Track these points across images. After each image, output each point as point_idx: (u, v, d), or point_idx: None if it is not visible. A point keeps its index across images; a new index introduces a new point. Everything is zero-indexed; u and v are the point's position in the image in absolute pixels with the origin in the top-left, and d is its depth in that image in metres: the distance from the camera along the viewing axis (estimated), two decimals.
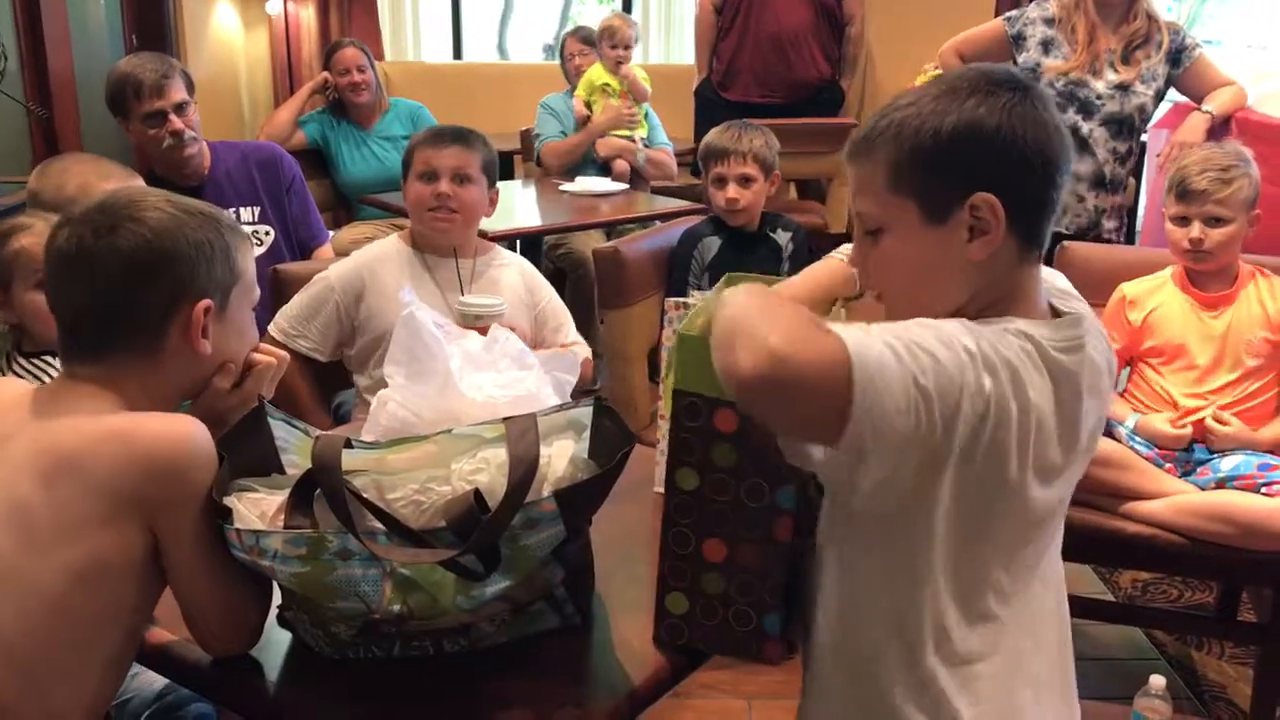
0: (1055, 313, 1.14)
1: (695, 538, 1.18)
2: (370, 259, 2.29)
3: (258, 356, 1.29)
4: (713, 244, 2.74)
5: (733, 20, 4.67)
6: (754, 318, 0.94)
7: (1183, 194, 2.28)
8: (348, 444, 1.14)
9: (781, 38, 4.63)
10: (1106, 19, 3.13)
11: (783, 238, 2.82)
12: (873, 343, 0.94)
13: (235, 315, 1.24)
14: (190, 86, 2.72)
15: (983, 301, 1.10)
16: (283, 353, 1.33)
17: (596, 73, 4.17)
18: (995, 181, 1.05)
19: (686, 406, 1.14)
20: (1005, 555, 1.09)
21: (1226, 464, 2.14)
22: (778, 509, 1.15)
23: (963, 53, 3.45)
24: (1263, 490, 2.06)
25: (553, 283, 2.52)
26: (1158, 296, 2.34)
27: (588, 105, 4.16)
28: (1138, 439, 2.24)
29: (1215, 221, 2.25)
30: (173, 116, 2.65)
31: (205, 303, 1.19)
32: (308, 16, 5.68)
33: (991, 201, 1.05)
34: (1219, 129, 3.09)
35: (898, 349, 0.94)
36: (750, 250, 2.77)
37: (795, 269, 2.78)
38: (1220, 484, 2.11)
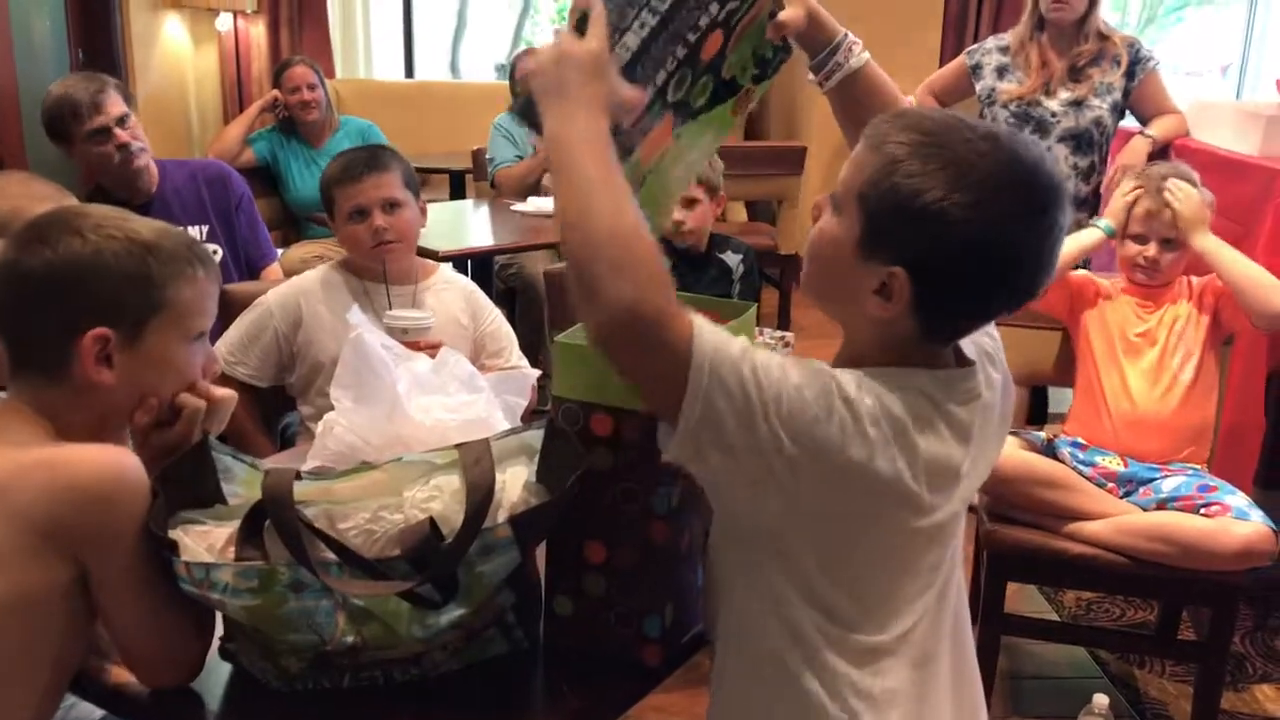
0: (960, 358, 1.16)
1: (577, 540, 1.21)
2: (307, 286, 2.27)
3: (186, 398, 1.22)
4: None
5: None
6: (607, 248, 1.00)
7: (1135, 213, 2.35)
8: (297, 476, 1.13)
9: None
10: (1057, 43, 3.22)
11: (732, 259, 2.84)
12: (730, 339, 1.01)
13: (154, 348, 1.19)
14: (128, 99, 2.68)
15: (887, 350, 1.10)
16: (225, 391, 1.27)
17: None
18: (925, 270, 1.04)
19: (564, 411, 1.19)
20: (885, 574, 1.11)
21: (1168, 485, 2.18)
22: (653, 512, 1.18)
23: (934, 92, 3.57)
24: (1202, 511, 2.10)
25: (503, 303, 2.51)
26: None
27: None
28: (1081, 460, 2.28)
29: (1168, 244, 2.32)
30: (116, 130, 2.61)
31: (96, 331, 1.15)
32: (258, 33, 5.64)
33: (902, 280, 1.04)
34: (1159, 155, 3.17)
35: (753, 356, 1.00)
36: (700, 272, 2.79)
37: (745, 291, 2.83)
38: (1161, 505, 2.15)
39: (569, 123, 1.05)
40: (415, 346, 2.05)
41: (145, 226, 1.22)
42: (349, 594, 1.05)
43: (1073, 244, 2.41)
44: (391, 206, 2.22)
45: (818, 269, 1.14)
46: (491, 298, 2.56)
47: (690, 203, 2.73)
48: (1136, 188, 2.40)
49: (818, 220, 1.15)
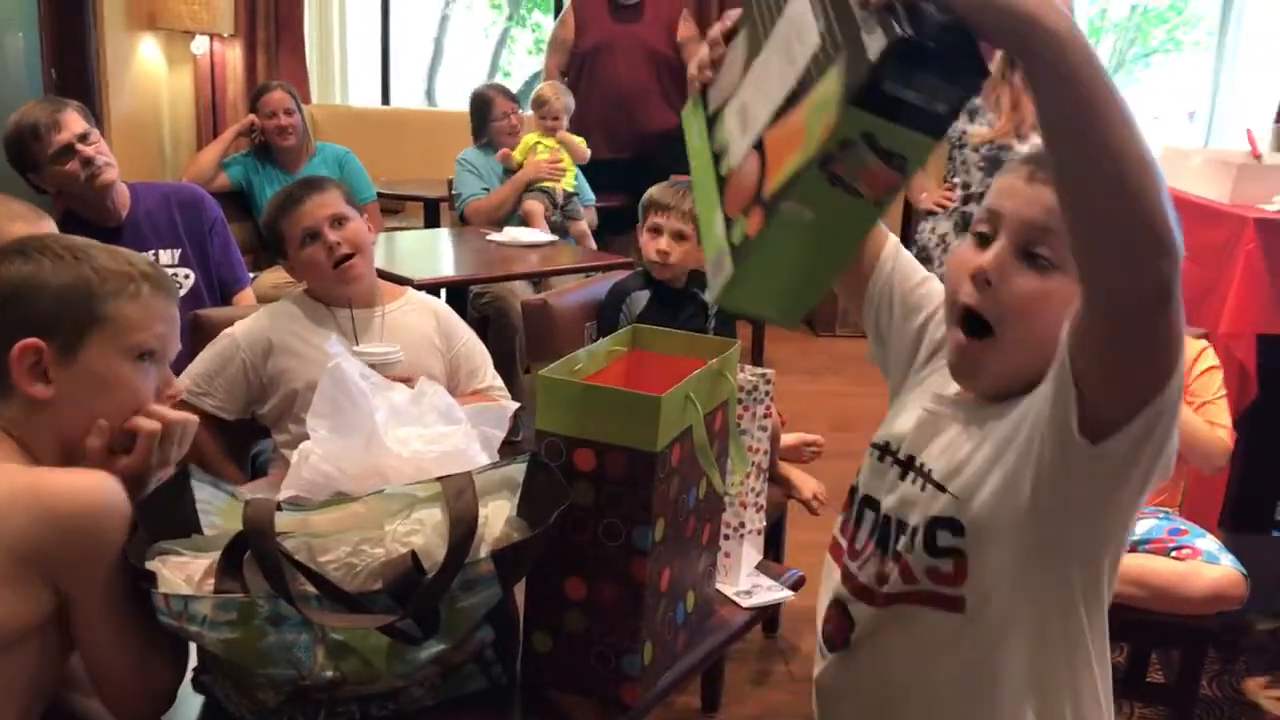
0: None
1: (557, 576, 1.20)
2: (273, 316, 2.25)
3: (138, 421, 1.18)
4: (641, 298, 2.76)
5: (577, 80, 4.84)
6: None
7: None
8: (278, 507, 1.11)
9: (624, 94, 4.85)
10: (1030, 86, 3.27)
11: (709, 297, 2.85)
12: None
13: (94, 364, 1.16)
14: (88, 117, 2.66)
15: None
16: (182, 415, 1.23)
17: (529, 138, 4.21)
18: None
19: (547, 445, 1.18)
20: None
21: (1139, 528, 2.20)
22: (634, 549, 1.17)
23: None
24: (1173, 554, 2.12)
25: (476, 330, 2.51)
26: None
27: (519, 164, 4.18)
28: None
29: None
30: (80, 146, 2.59)
31: (26, 342, 1.13)
32: (234, 57, 5.63)
33: None
34: None
35: None
36: (678, 307, 2.79)
37: (720, 327, 2.83)
38: (1133, 547, 2.17)
39: (1072, 26, 0.85)
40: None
41: (96, 246, 1.21)
42: (329, 628, 1.04)
43: None
44: (339, 221, 2.22)
45: (1044, 337, 1.02)
46: None
47: (679, 237, 2.74)
48: None
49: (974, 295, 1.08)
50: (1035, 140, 3.25)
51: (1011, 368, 1.08)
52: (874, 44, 0.82)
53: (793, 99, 0.91)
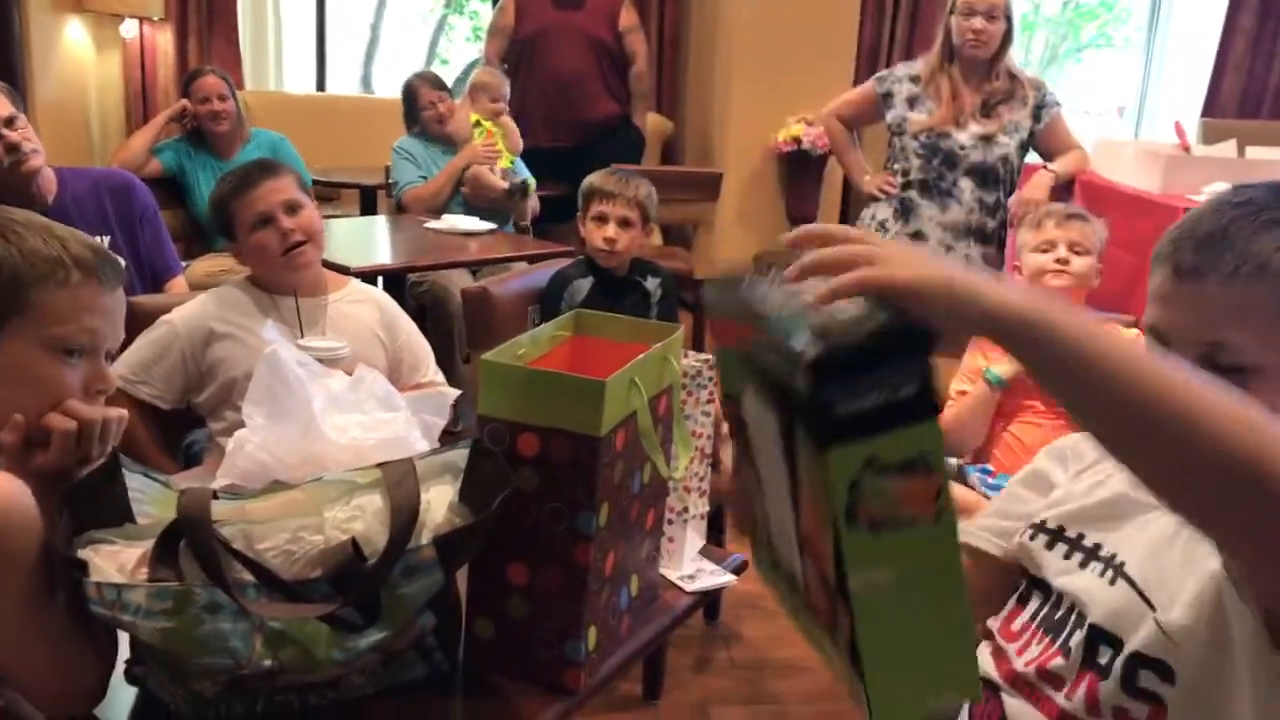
0: None
1: (500, 561, 1.19)
2: (214, 304, 2.21)
3: (53, 418, 1.12)
4: (583, 286, 2.75)
5: (516, 68, 4.80)
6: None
7: (1045, 223, 2.41)
8: (214, 495, 1.09)
9: (565, 81, 4.82)
10: (969, 78, 3.30)
11: (651, 284, 2.85)
12: None
13: (13, 355, 1.11)
14: (16, 101, 2.59)
15: None
16: (109, 411, 1.17)
17: (473, 116, 4.17)
18: None
19: (490, 430, 1.17)
20: None
21: None
22: (578, 534, 1.17)
23: (841, 115, 3.63)
24: None
25: (414, 319, 2.48)
26: None
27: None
28: (989, 486, 2.33)
29: (1076, 250, 2.37)
30: (5, 131, 2.52)
31: None
32: (165, 41, 5.50)
33: None
34: (1062, 189, 3.27)
35: None
36: (620, 295, 2.79)
37: (663, 314, 2.83)
38: None
39: (1032, 299, 0.74)
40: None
41: (35, 226, 1.16)
42: (267, 617, 1.02)
43: (973, 402, 2.37)
44: (293, 208, 2.18)
45: None
46: None
47: (625, 224, 2.74)
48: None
49: None
50: (974, 130, 3.28)
51: None
52: (803, 383, 0.73)
53: (796, 484, 0.81)
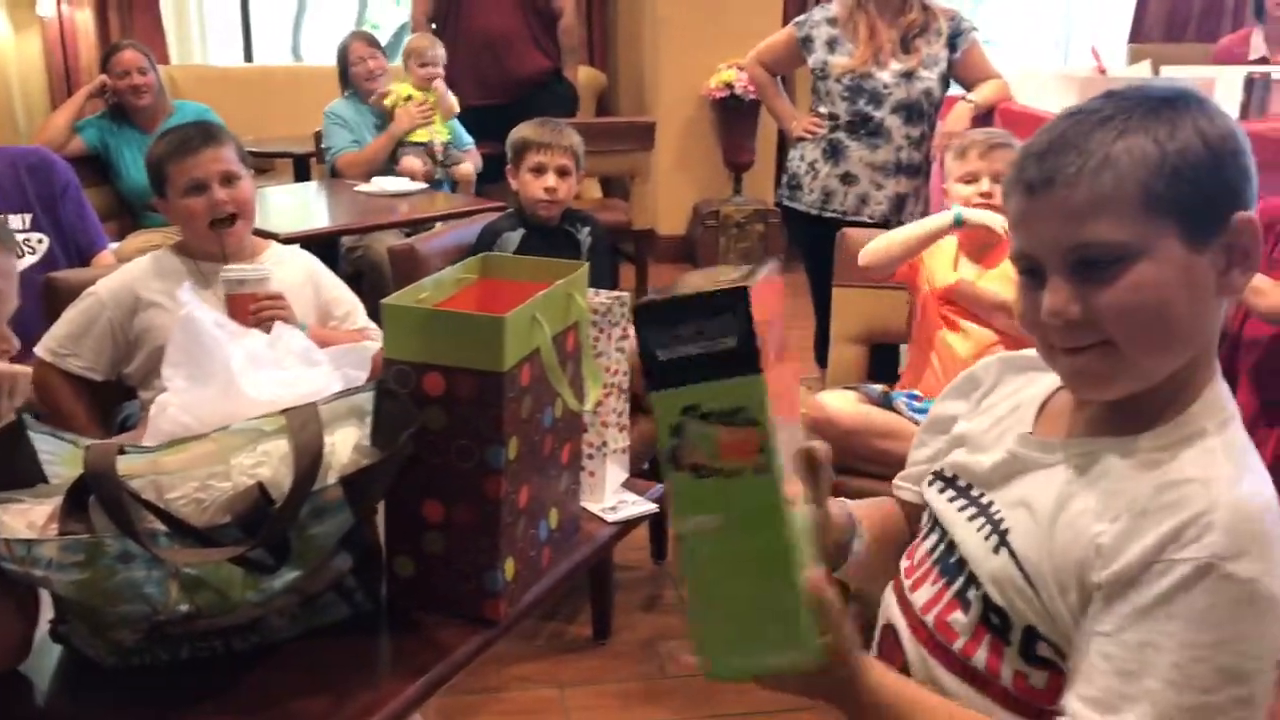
0: None
1: (414, 500, 1.22)
2: (140, 272, 2.21)
3: None
4: (513, 238, 2.77)
5: (444, 28, 4.78)
6: None
7: (969, 154, 2.44)
8: (121, 450, 1.11)
9: (492, 39, 4.81)
10: (884, 12, 3.32)
11: (581, 232, 2.87)
12: None
13: None
14: None
15: (1193, 364, 0.98)
16: (10, 368, 1.18)
17: (402, 89, 4.14)
18: (1247, 197, 0.95)
19: (396, 373, 1.19)
20: None
21: None
22: (489, 468, 1.19)
23: (764, 62, 3.64)
24: None
25: (350, 285, 2.49)
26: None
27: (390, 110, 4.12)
28: (916, 410, 2.38)
29: (1000, 180, 2.40)
30: None
31: None
32: (84, 19, 5.41)
33: (1252, 221, 0.95)
34: (982, 119, 3.31)
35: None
36: (551, 245, 2.80)
37: (595, 264, 2.84)
38: None
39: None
40: (255, 299, 2.03)
41: None
42: (180, 563, 1.04)
43: (921, 230, 2.44)
44: (229, 179, 2.18)
45: (1164, 331, 0.95)
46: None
47: (563, 173, 2.75)
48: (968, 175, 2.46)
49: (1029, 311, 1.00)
50: (895, 68, 3.31)
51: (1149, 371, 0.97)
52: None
53: None
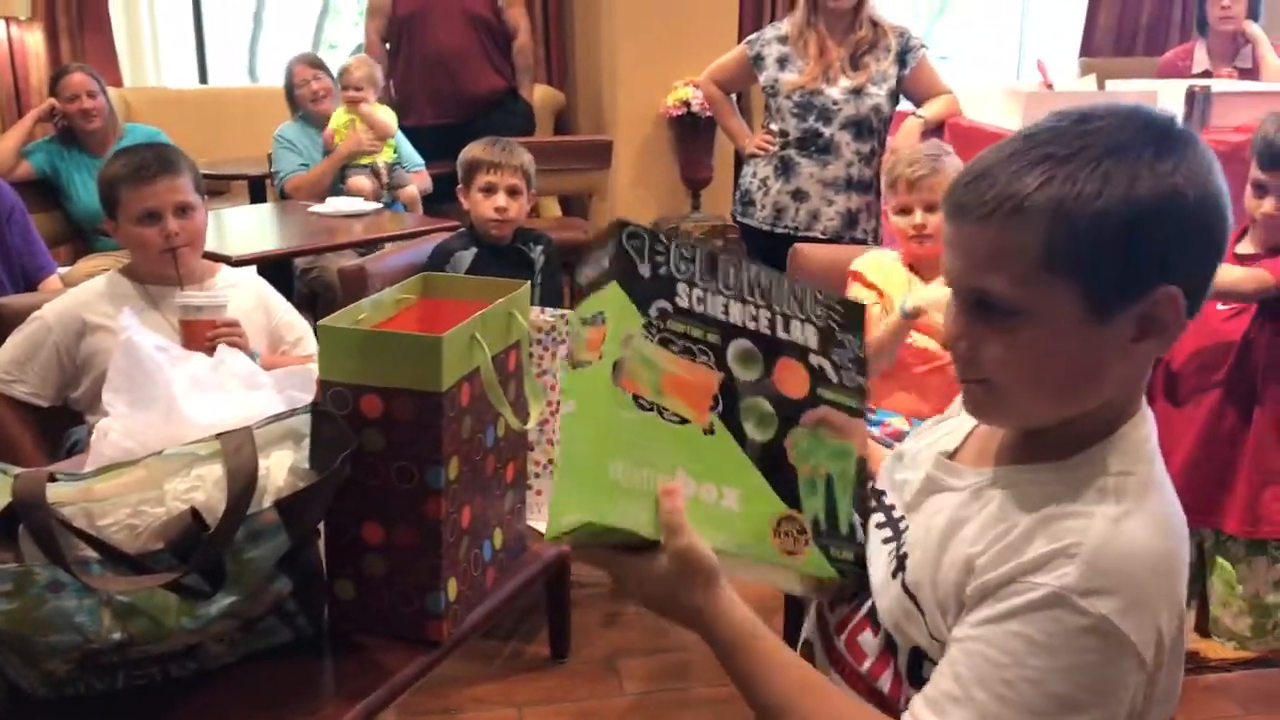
0: None
1: (354, 523, 1.22)
2: (87, 297, 2.19)
3: None
4: (465, 258, 2.76)
5: (398, 47, 4.78)
6: None
7: (898, 186, 2.46)
8: (51, 478, 1.10)
9: (445, 57, 4.79)
10: (834, 30, 3.36)
11: (534, 251, 2.87)
12: None
13: None
14: None
15: (1108, 406, 0.96)
16: None
17: (342, 115, 4.11)
18: (1182, 270, 0.89)
19: (333, 395, 1.19)
20: None
21: None
22: (429, 489, 1.19)
23: (717, 80, 3.67)
24: None
25: (305, 307, 2.49)
26: (885, 271, 2.49)
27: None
28: (871, 423, 2.40)
29: (933, 208, 2.42)
30: None
31: None
32: (34, 41, 5.36)
33: (1175, 296, 0.89)
34: (932, 135, 3.34)
35: None
36: (504, 264, 2.80)
37: (546, 283, 2.86)
38: None
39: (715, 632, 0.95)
40: (211, 325, 2.02)
41: None
42: (112, 591, 1.03)
43: (884, 332, 2.33)
44: (184, 210, 2.17)
45: (1043, 390, 0.94)
46: (293, 302, 2.52)
47: (514, 193, 2.76)
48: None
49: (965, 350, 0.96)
50: (844, 84, 3.34)
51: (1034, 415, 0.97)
52: None
53: None
